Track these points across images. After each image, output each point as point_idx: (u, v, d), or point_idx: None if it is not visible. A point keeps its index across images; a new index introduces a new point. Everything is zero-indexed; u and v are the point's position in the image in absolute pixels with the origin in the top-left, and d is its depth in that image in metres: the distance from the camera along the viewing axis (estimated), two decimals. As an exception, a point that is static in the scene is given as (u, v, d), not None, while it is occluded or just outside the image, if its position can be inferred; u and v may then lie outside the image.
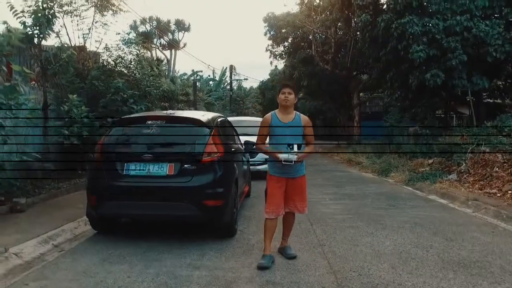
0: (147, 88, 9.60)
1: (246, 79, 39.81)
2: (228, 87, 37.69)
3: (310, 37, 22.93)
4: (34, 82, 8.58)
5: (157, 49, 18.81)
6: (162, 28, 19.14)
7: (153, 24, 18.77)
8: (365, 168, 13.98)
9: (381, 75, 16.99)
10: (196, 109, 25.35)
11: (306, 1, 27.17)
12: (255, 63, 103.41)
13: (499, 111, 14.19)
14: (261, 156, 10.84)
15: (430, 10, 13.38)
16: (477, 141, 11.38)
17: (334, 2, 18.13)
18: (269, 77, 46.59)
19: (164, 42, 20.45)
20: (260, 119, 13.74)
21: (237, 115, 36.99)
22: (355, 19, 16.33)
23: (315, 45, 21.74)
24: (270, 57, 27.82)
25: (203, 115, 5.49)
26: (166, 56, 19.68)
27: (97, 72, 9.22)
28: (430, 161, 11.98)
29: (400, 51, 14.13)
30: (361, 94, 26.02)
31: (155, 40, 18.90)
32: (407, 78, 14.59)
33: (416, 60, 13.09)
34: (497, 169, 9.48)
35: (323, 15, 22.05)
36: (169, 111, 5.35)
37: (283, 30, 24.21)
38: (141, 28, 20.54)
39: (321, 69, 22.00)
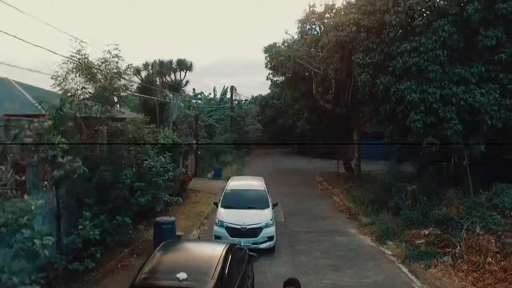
0: (154, 179, 9.99)
1: (247, 99, 40.27)
2: (228, 104, 38.12)
3: (312, 69, 23.13)
4: (45, 184, 8.97)
5: (160, 92, 19.11)
6: (164, 72, 19.44)
7: (156, 68, 19.08)
8: (364, 228, 14.34)
9: (381, 125, 17.36)
10: (197, 137, 25.76)
11: (307, 28, 27.60)
12: (255, 61, 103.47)
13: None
14: (263, 235, 11.33)
15: (428, 77, 13.66)
16: (471, 217, 11.81)
17: (335, 51, 18.39)
18: (269, 91, 46.96)
19: (167, 80, 20.75)
20: (261, 183, 14.11)
21: (239, 133, 37.42)
22: (355, 74, 16.60)
23: (315, 83, 22.03)
24: (270, 85, 28.10)
25: (212, 276, 5.80)
26: (169, 97, 19.97)
27: (106, 167, 9.59)
28: (427, 232, 12.36)
29: (398, 113, 14.51)
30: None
31: (157, 80, 19.23)
32: (406, 136, 14.97)
33: (414, 129, 13.45)
34: (490, 259, 9.89)
35: (325, 51, 22.27)
36: (181, 275, 5.68)
37: (283, 63, 24.42)
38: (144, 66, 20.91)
39: (322, 105, 22.34)
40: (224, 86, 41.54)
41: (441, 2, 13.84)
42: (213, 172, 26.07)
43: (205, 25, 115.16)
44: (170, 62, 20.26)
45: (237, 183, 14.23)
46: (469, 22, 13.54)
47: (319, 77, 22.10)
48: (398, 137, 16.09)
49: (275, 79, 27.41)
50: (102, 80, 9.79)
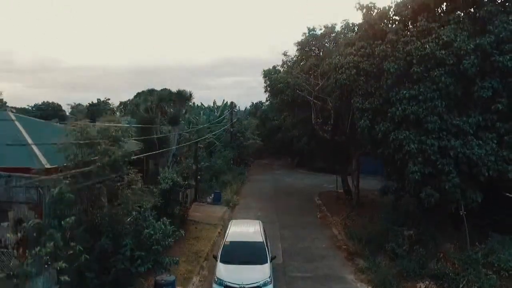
0: (154, 247, 10.11)
1: (247, 118, 40.47)
2: (226, 118, 38.24)
3: (311, 100, 23.18)
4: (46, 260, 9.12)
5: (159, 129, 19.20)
6: (163, 106, 19.54)
7: (155, 103, 19.16)
8: (362, 274, 14.46)
9: (380, 163, 17.49)
10: (197, 161, 25.88)
11: (306, 49, 27.69)
12: (256, 61, 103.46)
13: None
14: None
15: (427, 127, 13.74)
16: (467, 274, 11.96)
17: (333, 90, 18.42)
18: (268, 101, 47.00)
19: (167, 110, 20.87)
20: (259, 229, 14.26)
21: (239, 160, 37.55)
22: (355, 118, 16.68)
23: (314, 112, 22.11)
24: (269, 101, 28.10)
25: None
26: (169, 131, 20.05)
27: (107, 237, 9.72)
28: (423, 286, 12.55)
29: (397, 161, 14.62)
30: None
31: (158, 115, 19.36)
32: (404, 179, 15.07)
33: (412, 180, 13.57)
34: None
35: (324, 80, 22.33)
36: None
37: (282, 90, 24.47)
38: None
39: (321, 135, 22.47)
40: (224, 100, 41.87)
41: (439, 52, 13.85)
42: (212, 196, 26.20)
43: (205, 24, 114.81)
44: (170, 93, 20.30)
45: (236, 230, 14.33)
46: (466, 74, 13.62)
47: (318, 107, 22.17)
48: (397, 177, 16.21)
49: (275, 101, 27.38)
50: (103, 145, 9.92)
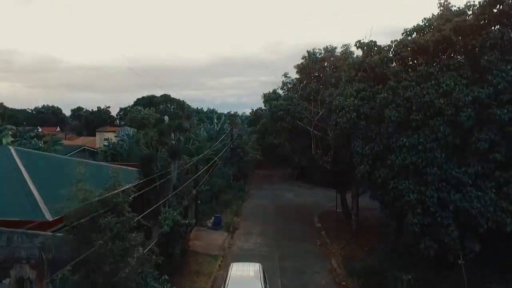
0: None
1: (248, 129, 40.55)
2: (226, 129, 38.42)
3: (311, 131, 23.24)
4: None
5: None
6: (163, 140, 19.69)
7: (155, 138, 19.28)
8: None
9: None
10: (197, 185, 25.98)
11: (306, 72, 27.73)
12: (256, 61, 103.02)
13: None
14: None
15: (426, 179, 13.82)
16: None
17: (335, 136, 18.40)
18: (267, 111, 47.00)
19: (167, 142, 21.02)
20: (259, 273, 14.38)
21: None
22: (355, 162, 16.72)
23: (314, 142, 22.20)
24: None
25: None
26: (169, 161, 20.16)
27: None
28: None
29: (396, 207, 14.73)
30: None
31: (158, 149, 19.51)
32: (403, 225, 15.20)
33: (412, 232, 13.69)
34: None
35: (324, 109, 22.40)
36: None
37: (282, 117, 24.56)
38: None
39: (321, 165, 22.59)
40: (224, 113, 41.97)
41: (437, 101, 13.89)
42: (212, 219, 26.29)
43: (205, 25, 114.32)
44: (169, 125, 20.39)
45: (236, 274, 14.46)
46: (463, 125, 13.67)
47: (318, 137, 22.25)
48: (397, 218, 16.31)
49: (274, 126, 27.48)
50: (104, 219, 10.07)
